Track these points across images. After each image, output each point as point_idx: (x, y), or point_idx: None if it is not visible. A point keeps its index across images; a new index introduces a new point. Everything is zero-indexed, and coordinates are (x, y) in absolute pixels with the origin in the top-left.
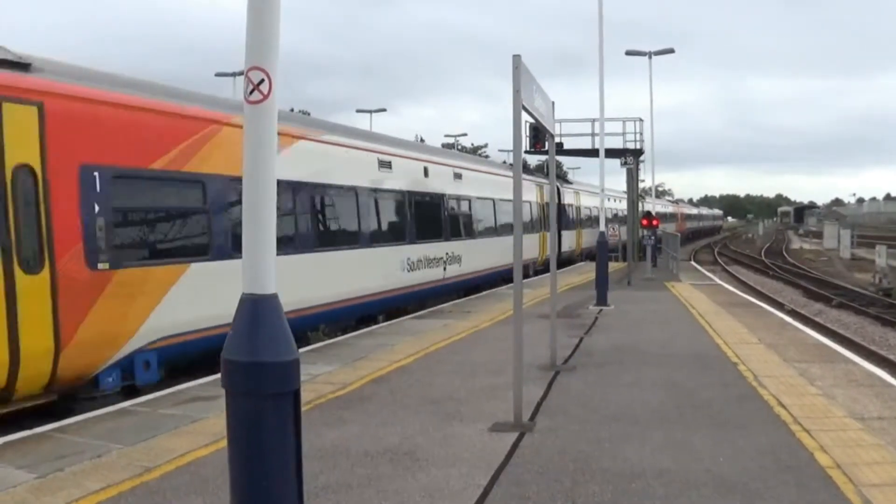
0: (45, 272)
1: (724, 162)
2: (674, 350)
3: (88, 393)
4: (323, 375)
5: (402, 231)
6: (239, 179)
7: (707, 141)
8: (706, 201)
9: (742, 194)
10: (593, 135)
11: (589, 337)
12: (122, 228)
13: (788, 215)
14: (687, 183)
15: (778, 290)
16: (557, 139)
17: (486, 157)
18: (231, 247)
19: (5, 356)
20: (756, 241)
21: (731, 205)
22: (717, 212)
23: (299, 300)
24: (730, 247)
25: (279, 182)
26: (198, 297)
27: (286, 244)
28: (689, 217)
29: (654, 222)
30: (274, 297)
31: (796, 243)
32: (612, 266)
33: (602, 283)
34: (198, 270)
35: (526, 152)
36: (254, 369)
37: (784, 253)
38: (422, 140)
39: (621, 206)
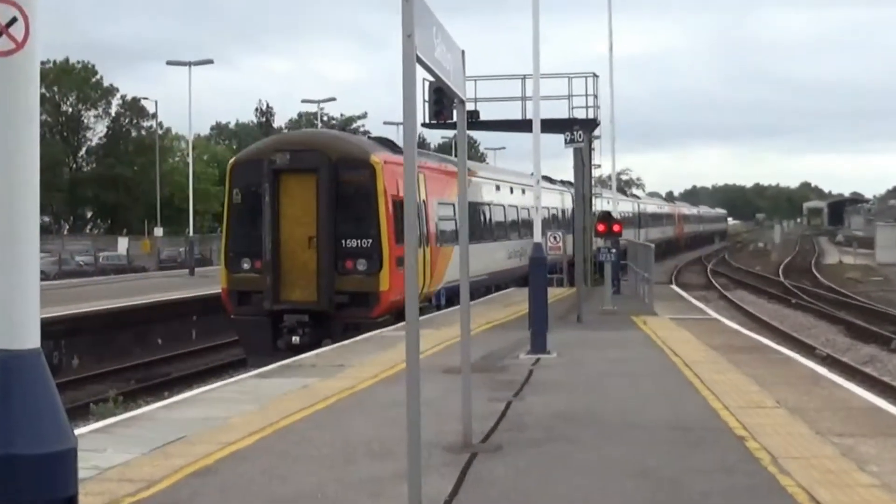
0: (426, 248)
1: (723, 137)
2: (648, 418)
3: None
4: (117, 469)
5: (505, 231)
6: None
7: (697, 106)
8: (693, 196)
9: (748, 184)
10: (524, 99)
11: (520, 401)
12: (441, 229)
13: (819, 214)
14: (666, 169)
15: (805, 326)
16: (470, 106)
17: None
18: (470, 237)
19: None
20: (771, 252)
21: (732, 200)
22: (721, 211)
23: (480, 270)
24: (730, 262)
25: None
26: (455, 264)
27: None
28: (687, 219)
29: (615, 227)
30: (36, 353)
31: (832, 256)
32: (554, 293)
33: (539, 319)
34: (456, 250)
35: (424, 125)
36: (4, 468)
37: (814, 270)
38: (269, 108)
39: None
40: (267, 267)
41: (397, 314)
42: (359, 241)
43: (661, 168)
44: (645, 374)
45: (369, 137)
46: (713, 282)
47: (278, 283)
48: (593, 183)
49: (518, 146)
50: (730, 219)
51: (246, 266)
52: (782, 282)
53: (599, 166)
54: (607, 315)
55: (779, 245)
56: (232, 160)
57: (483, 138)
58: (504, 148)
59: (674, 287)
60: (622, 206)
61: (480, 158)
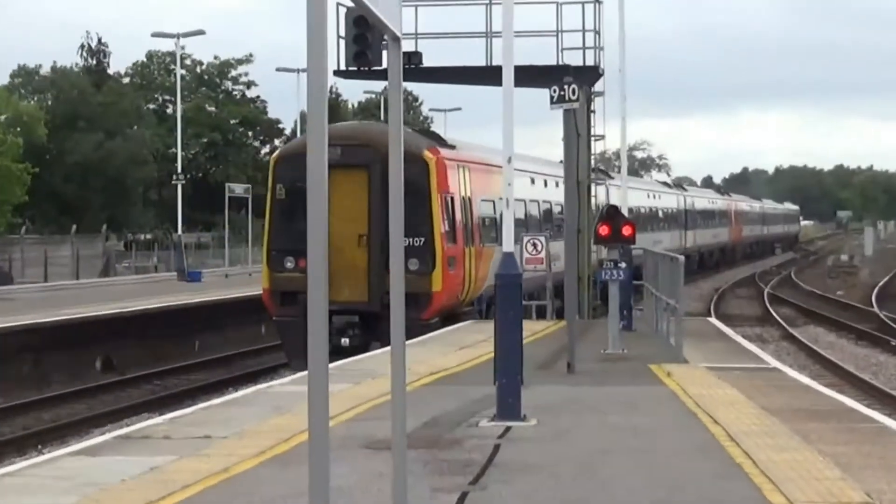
0: (471, 248)
1: (789, 97)
2: None
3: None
4: None
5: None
6: (519, 200)
7: (751, 52)
8: (743, 182)
9: (826, 166)
10: (489, 36)
11: (481, 491)
12: (484, 227)
13: None
14: (703, 142)
15: None
16: (409, 45)
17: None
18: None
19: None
20: (860, 269)
21: (802, 190)
22: (792, 207)
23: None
24: (798, 282)
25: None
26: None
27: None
28: (746, 217)
29: (626, 229)
30: None
31: None
32: (533, 329)
33: (509, 368)
34: (498, 250)
35: (339, 74)
36: None
37: None
38: (102, 46)
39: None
40: None
41: (448, 316)
42: (411, 239)
43: (695, 141)
44: (668, 451)
45: (414, 130)
46: (773, 313)
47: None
48: (595, 161)
49: (480, 106)
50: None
51: (290, 265)
52: (877, 313)
53: (603, 137)
54: (612, 362)
55: (871, 258)
56: (276, 154)
57: (429, 94)
58: (459, 109)
59: (713, 321)
60: (635, 198)
61: (424, 123)
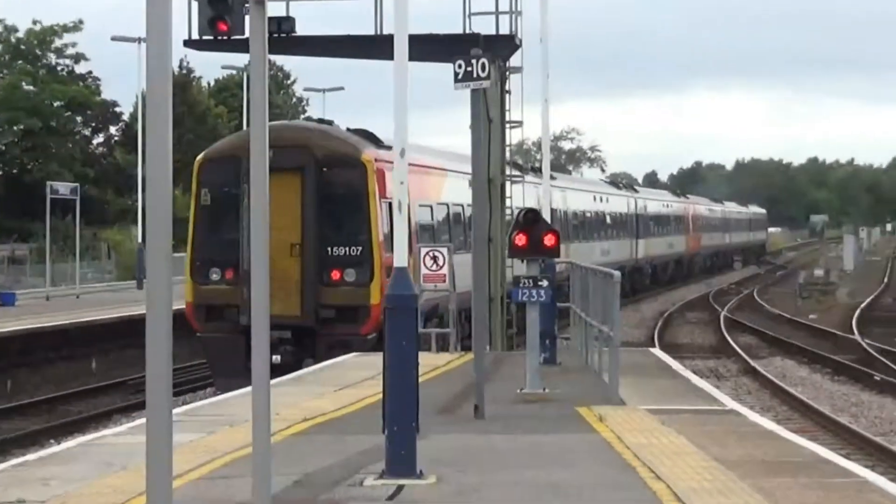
0: (409, 257)
1: (752, 74)
2: None
3: None
4: None
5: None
6: (457, 204)
7: (706, 21)
8: (695, 180)
9: (797, 159)
10: None
11: None
12: (420, 236)
13: None
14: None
15: None
16: (278, 8)
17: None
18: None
19: None
20: (837, 287)
21: (769, 189)
22: (759, 212)
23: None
24: (763, 303)
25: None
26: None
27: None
28: (706, 224)
29: (548, 238)
30: None
31: None
32: (433, 363)
33: (401, 412)
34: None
35: (190, 44)
36: None
37: None
38: None
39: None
40: (244, 277)
41: None
42: (347, 248)
43: (637, 129)
44: None
45: (348, 129)
46: (731, 341)
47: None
48: (511, 154)
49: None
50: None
51: (215, 277)
52: (858, 342)
53: (520, 124)
54: (531, 404)
55: (852, 273)
56: (200, 157)
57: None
58: (342, 89)
59: (657, 352)
60: (577, 200)
61: (297, 106)
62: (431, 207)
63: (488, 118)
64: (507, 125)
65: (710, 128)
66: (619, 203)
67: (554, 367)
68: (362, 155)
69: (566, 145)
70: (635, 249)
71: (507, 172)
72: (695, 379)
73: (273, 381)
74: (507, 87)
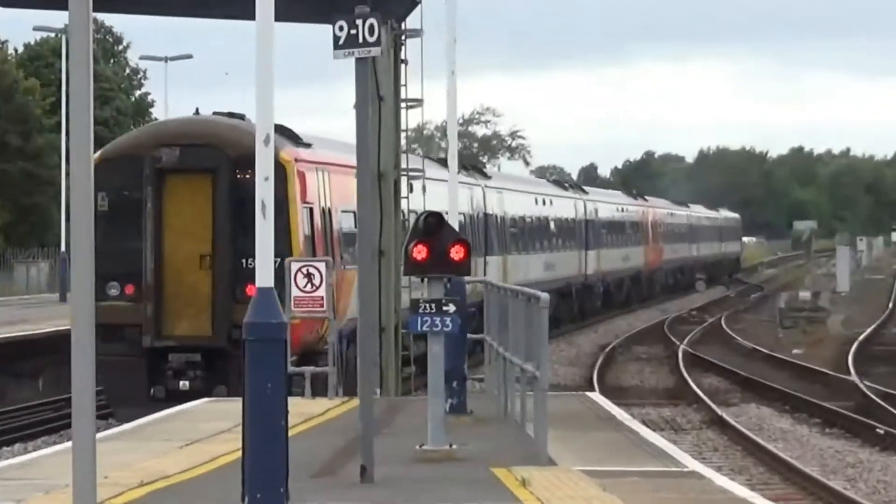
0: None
1: (721, 37)
2: None
3: None
4: None
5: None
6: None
7: None
8: (646, 175)
9: (777, 150)
10: None
11: None
12: (346, 245)
13: None
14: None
15: None
16: None
17: None
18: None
19: None
20: (828, 314)
21: (740, 188)
22: (732, 217)
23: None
24: (732, 333)
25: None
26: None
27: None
28: (667, 232)
29: (455, 250)
30: None
31: None
32: (307, 410)
33: (266, 474)
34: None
35: None
36: None
37: None
38: None
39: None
40: (147, 292)
41: (305, 354)
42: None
43: (571, 110)
44: None
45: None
46: (691, 383)
47: (161, 313)
48: (408, 141)
49: (222, 54)
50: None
51: (114, 292)
52: (855, 384)
53: (420, 103)
54: (435, 464)
55: (847, 295)
56: (97, 155)
57: (141, 34)
58: (190, 57)
59: (596, 397)
60: (516, 203)
61: (133, 78)
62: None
63: (378, 96)
64: (404, 105)
65: (664, 109)
66: (564, 207)
67: (464, 416)
68: (281, 154)
69: (479, 130)
70: (584, 263)
71: (404, 165)
72: (645, 431)
73: (101, 435)
74: (402, 56)
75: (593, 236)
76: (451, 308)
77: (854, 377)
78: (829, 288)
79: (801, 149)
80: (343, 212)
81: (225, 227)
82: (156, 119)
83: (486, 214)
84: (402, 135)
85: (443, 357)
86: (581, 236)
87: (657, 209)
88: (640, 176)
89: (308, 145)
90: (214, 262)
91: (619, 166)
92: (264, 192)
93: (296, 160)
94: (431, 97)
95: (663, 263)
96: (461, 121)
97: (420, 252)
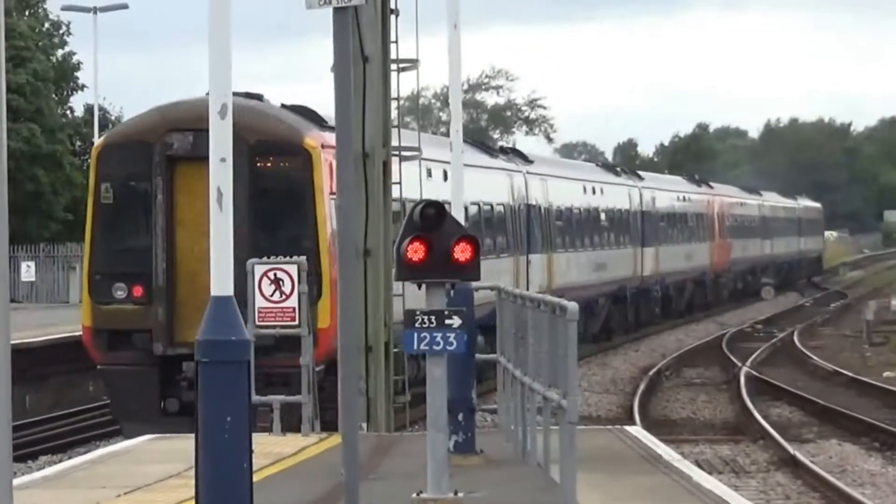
0: None
1: None
2: None
3: None
4: None
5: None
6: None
7: None
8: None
9: (860, 123)
10: None
11: None
12: None
13: None
14: (614, 74)
15: None
16: None
17: None
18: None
19: None
20: None
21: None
22: (813, 206)
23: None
24: (807, 352)
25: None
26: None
27: None
28: (736, 224)
29: (461, 249)
30: None
31: None
32: (273, 451)
33: None
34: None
35: None
36: None
37: None
38: None
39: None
40: (158, 294)
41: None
42: (288, 258)
43: (605, 73)
44: None
45: (283, 105)
46: (756, 415)
47: (174, 318)
48: (400, 112)
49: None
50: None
51: (120, 294)
52: None
53: (416, 64)
54: None
55: None
56: (100, 141)
57: None
58: (125, 7)
59: (637, 432)
60: (562, 191)
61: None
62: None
63: (362, 55)
64: (394, 66)
65: (720, 70)
66: (617, 196)
67: (472, 456)
68: (305, 139)
69: (489, 98)
70: (640, 262)
71: (396, 143)
72: (699, 475)
73: (19, 482)
74: (392, 6)
75: (650, 230)
76: (456, 321)
77: None
78: None
79: (893, 121)
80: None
81: (243, 221)
82: (83, 86)
83: (528, 205)
84: (393, 104)
85: (445, 383)
86: (636, 230)
87: (725, 198)
88: (691, 155)
89: (333, 128)
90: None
91: (665, 143)
92: (220, 176)
93: (322, 146)
94: (429, 57)
95: (731, 263)
96: (466, 86)
97: (417, 251)
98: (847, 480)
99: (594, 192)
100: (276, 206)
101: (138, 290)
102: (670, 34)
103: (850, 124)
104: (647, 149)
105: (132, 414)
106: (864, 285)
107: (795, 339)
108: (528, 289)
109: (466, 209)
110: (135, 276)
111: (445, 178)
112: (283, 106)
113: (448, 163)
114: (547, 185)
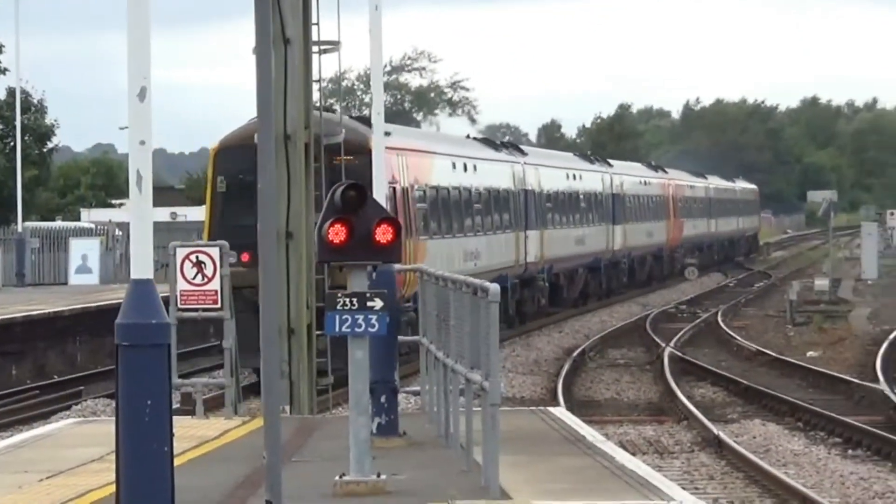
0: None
1: None
2: None
3: None
4: None
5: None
6: (445, 188)
7: None
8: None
9: (783, 104)
10: None
11: None
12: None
13: None
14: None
15: None
16: None
17: None
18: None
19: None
20: (850, 307)
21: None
22: (749, 188)
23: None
24: (731, 333)
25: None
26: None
27: None
28: (687, 205)
29: (382, 230)
30: None
31: None
32: (197, 434)
33: None
34: (431, 244)
35: None
36: None
37: None
38: None
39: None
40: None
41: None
42: None
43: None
44: None
45: (351, 117)
46: (680, 395)
47: None
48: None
49: None
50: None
51: (232, 260)
52: (885, 394)
53: (337, 46)
54: (359, 499)
55: (876, 283)
56: (217, 144)
57: None
58: None
59: (561, 413)
60: (551, 178)
61: None
62: (425, 192)
63: (284, 38)
64: (316, 48)
65: (642, 51)
66: (592, 180)
67: (395, 438)
68: (369, 142)
69: (413, 80)
70: (612, 238)
71: (318, 124)
72: (623, 456)
73: None
74: None
75: (619, 210)
76: (378, 303)
77: (883, 385)
78: (851, 275)
79: (815, 101)
80: (417, 190)
81: (322, 202)
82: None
83: (525, 190)
84: (315, 86)
85: (367, 365)
86: (608, 210)
87: (677, 181)
88: (614, 136)
89: (388, 133)
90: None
91: (587, 125)
92: (139, 160)
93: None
94: (351, 39)
95: (683, 240)
96: (389, 68)
97: (338, 233)
98: (771, 460)
99: (575, 178)
100: None
101: (245, 257)
102: (593, 16)
103: (775, 106)
104: (570, 130)
105: (249, 350)
106: (787, 266)
107: (719, 319)
108: (526, 259)
109: (481, 193)
110: (242, 246)
111: (466, 169)
112: (350, 117)
113: (470, 157)
114: (539, 172)
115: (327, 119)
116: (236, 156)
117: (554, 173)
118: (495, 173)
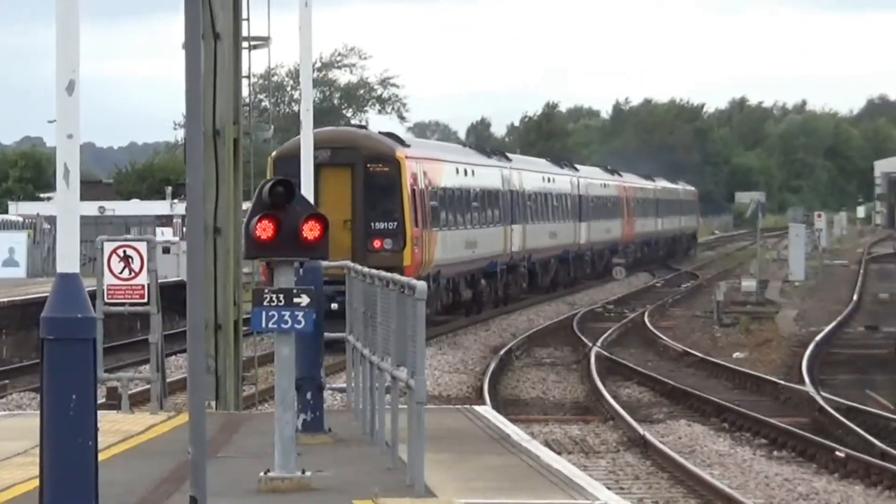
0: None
1: None
2: None
3: None
4: None
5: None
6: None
7: None
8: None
9: (711, 105)
10: None
11: None
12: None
13: None
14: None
15: None
16: None
17: None
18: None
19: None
20: (777, 308)
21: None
22: (689, 190)
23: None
24: (657, 333)
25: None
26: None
27: None
28: (638, 205)
29: (309, 227)
30: None
31: None
32: (122, 428)
33: None
34: (441, 235)
35: None
36: None
37: None
38: None
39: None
40: None
41: None
42: (386, 224)
43: (457, 51)
44: None
45: (381, 133)
46: (606, 395)
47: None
48: (253, 92)
49: None
50: None
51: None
52: (810, 396)
53: (267, 42)
54: (283, 495)
55: (803, 284)
56: (274, 154)
57: None
58: None
59: (486, 411)
60: (527, 180)
61: None
62: (437, 193)
63: (214, 33)
64: (245, 44)
65: (569, 48)
66: (563, 183)
67: (321, 435)
68: (396, 153)
69: (342, 77)
70: (578, 233)
71: (246, 121)
72: (548, 455)
73: None
74: None
75: (584, 210)
76: (304, 300)
77: (809, 387)
78: (779, 276)
79: (744, 102)
80: (432, 191)
81: (360, 201)
82: None
83: (510, 191)
84: (245, 82)
85: (293, 362)
86: (576, 209)
87: (630, 184)
88: (543, 134)
89: (409, 145)
90: (353, 225)
91: (516, 123)
92: (66, 153)
93: (406, 157)
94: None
95: (635, 237)
96: (318, 65)
97: (265, 229)
98: (696, 461)
99: (549, 180)
100: (379, 193)
101: None
102: (524, 14)
103: (702, 105)
104: (499, 129)
105: None
106: (714, 266)
107: (646, 319)
108: (511, 249)
109: (478, 193)
110: None
111: (466, 173)
112: (380, 132)
113: (469, 164)
114: (521, 175)
115: (364, 134)
116: (289, 165)
117: (533, 176)
118: (488, 176)
